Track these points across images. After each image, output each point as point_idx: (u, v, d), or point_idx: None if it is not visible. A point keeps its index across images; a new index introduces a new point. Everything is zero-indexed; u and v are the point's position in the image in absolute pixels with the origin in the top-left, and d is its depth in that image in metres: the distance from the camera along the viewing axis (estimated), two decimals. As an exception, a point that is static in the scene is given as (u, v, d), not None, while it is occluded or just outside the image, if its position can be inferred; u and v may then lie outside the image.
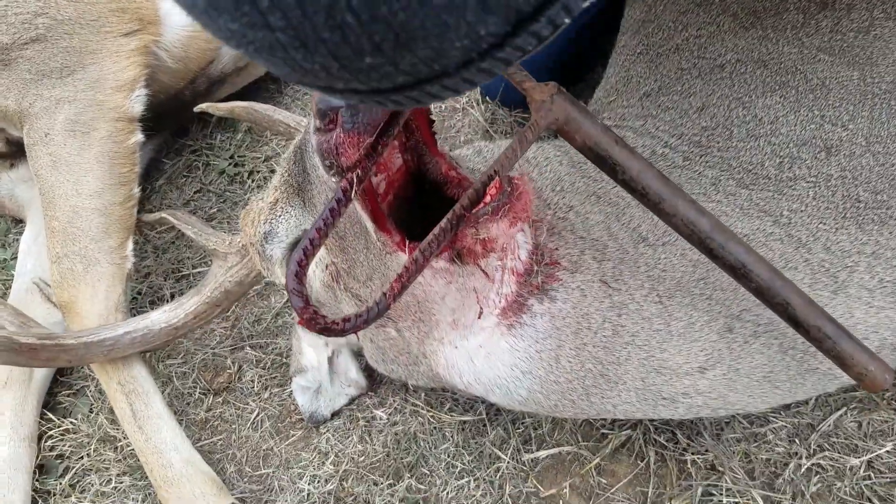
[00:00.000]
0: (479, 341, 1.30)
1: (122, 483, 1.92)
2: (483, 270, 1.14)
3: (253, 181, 2.54)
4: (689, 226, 1.08)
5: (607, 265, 1.33)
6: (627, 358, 1.35)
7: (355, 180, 0.94)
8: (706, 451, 1.70)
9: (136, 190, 2.13)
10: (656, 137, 1.50)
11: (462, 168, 1.18)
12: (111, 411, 1.99)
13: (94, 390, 2.08)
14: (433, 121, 1.16)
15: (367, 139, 0.94)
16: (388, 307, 0.91)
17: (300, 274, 0.87)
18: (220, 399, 2.03)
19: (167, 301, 2.24)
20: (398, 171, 1.17)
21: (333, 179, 1.02)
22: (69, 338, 1.77)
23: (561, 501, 1.70)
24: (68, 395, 2.10)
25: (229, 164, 2.58)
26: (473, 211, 1.03)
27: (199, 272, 2.32)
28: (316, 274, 1.36)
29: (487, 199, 1.06)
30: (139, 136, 2.17)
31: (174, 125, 2.72)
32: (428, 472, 1.79)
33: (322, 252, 1.33)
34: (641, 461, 1.72)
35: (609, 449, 1.74)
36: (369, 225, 1.16)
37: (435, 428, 1.86)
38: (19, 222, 2.56)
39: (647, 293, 1.34)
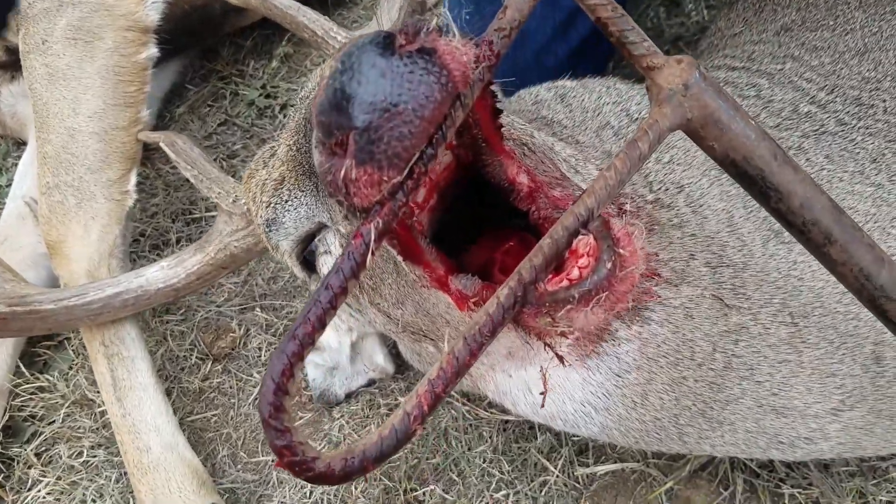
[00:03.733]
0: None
1: (94, 457, 1.60)
2: (554, 352, 0.77)
3: (285, 116, 2.12)
4: (861, 279, 0.70)
5: (725, 273, 0.95)
6: (740, 396, 0.99)
7: (372, 234, 0.57)
8: (810, 484, 1.34)
9: (145, 113, 1.74)
10: (800, 89, 1.08)
11: (539, 172, 0.79)
12: (92, 370, 1.68)
13: (78, 344, 1.74)
14: (500, 111, 0.76)
15: (393, 175, 0.58)
16: (412, 435, 0.55)
17: (279, 403, 0.53)
18: (219, 367, 1.68)
19: (172, 247, 1.88)
20: (445, 168, 0.80)
21: (340, 226, 0.67)
22: (47, 302, 1.42)
23: (620, 531, 1.37)
24: (48, 348, 1.77)
25: (260, 95, 2.17)
26: (551, 290, 0.67)
27: (212, 216, 1.92)
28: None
29: (574, 272, 0.69)
30: (152, 51, 1.76)
31: (201, 45, 2.30)
32: (458, 479, 1.46)
33: (340, 252, 0.97)
34: (725, 490, 1.37)
35: (686, 471, 1.38)
36: (398, 259, 0.80)
37: (471, 426, 1.51)
38: (21, 145, 2.21)
39: (777, 311, 0.96)
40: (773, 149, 0.66)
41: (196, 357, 1.70)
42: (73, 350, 1.76)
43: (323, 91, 0.59)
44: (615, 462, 1.42)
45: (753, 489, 1.36)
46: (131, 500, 1.53)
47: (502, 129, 0.76)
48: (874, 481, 1.32)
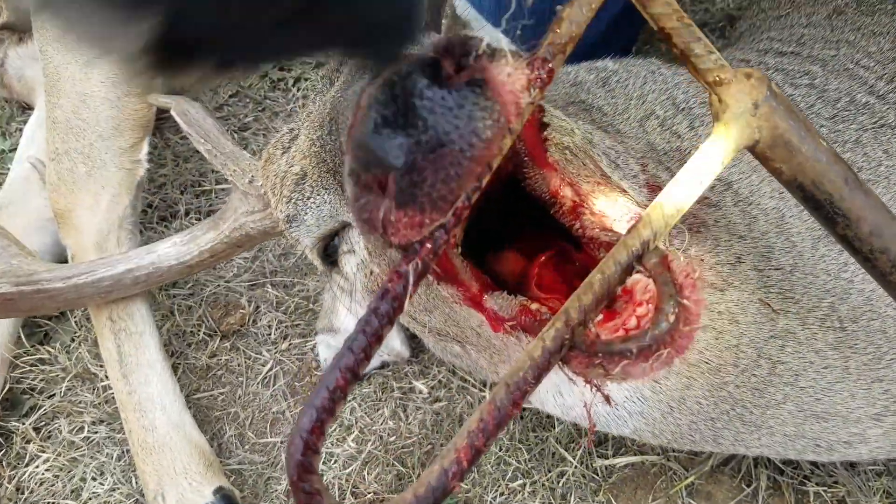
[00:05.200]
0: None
1: (96, 434, 1.55)
2: (602, 393, 0.70)
3: (298, 90, 2.06)
4: None
5: (773, 276, 0.90)
6: (782, 401, 0.95)
7: (411, 276, 0.52)
8: (836, 482, 1.31)
9: (158, 81, 1.69)
10: (857, 77, 1.02)
11: (582, 179, 0.72)
12: (95, 343, 1.61)
13: (81, 316, 1.69)
14: (546, 124, 0.70)
15: (436, 218, 0.52)
16: (449, 492, 0.51)
17: (308, 463, 0.48)
18: (227, 344, 1.63)
19: (181, 219, 1.82)
20: None
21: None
22: (55, 280, 1.37)
23: (639, 524, 1.35)
24: (49, 319, 1.71)
25: (273, 67, 2.10)
26: (605, 339, 0.60)
27: (223, 189, 1.87)
28: (357, 276, 0.95)
29: (632, 321, 0.61)
30: None
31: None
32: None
33: (364, 253, 0.91)
34: (748, 486, 1.33)
35: (708, 466, 1.35)
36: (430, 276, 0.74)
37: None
38: (26, 109, 2.13)
39: (825, 315, 0.92)
40: (845, 172, 0.61)
41: (203, 333, 1.66)
42: (75, 322, 1.70)
43: (361, 122, 0.52)
44: (635, 454, 1.38)
45: (777, 486, 1.32)
46: (133, 479, 1.48)
47: (546, 143, 0.70)
48: (903, 481, 1.29)
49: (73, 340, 1.69)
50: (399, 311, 0.52)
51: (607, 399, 0.69)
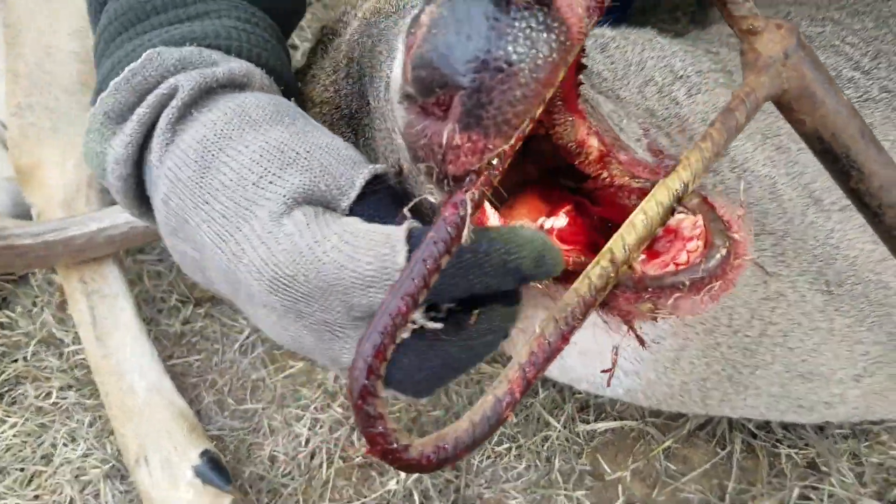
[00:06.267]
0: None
1: (65, 399, 1.54)
2: (637, 335, 0.69)
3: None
4: None
5: (766, 241, 0.95)
6: (770, 362, 1.00)
7: (468, 206, 0.51)
8: (806, 445, 1.38)
9: None
10: (843, 54, 1.07)
11: (608, 135, 0.72)
12: (60, 307, 1.62)
13: (42, 279, 1.69)
14: (584, 66, 0.69)
15: (499, 144, 0.51)
16: (503, 421, 0.51)
17: (371, 387, 0.48)
18: (201, 311, 1.63)
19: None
20: None
21: (428, 194, 0.61)
22: (25, 236, 1.36)
23: (620, 486, 1.39)
24: (8, 281, 1.70)
25: None
26: (654, 274, 0.61)
27: None
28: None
29: (682, 256, 0.62)
30: None
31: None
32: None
33: None
34: (723, 449, 1.40)
35: (685, 430, 1.41)
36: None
37: (472, 379, 1.50)
38: None
39: (814, 279, 0.98)
40: (862, 126, 0.66)
41: (175, 300, 1.65)
42: (36, 286, 1.68)
43: (423, 41, 0.51)
44: (615, 420, 1.44)
45: (751, 449, 1.39)
46: (108, 444, 1.48)
47: (580, 87, 0.72)
48: (866, 443, 1.36)
49: (34, 305, 1.68)
50: (457, 241, 0.51)
51: (640, 340, 0.70)
